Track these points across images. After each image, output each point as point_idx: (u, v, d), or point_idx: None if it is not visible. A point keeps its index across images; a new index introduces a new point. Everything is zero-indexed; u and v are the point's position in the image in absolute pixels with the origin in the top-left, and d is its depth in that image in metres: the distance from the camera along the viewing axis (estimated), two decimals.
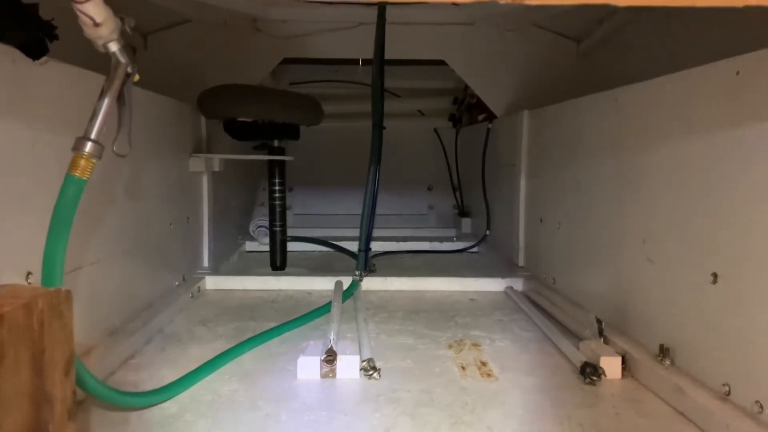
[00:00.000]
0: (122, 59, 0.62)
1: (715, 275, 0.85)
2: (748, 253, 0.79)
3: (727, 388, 0.81)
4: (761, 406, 0.75)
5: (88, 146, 0.61)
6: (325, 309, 1.35)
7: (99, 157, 0.62)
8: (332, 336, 1.07)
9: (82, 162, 0.62)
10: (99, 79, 0.92)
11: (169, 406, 0.86)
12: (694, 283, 0.89)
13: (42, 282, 0.60)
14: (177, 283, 1.46)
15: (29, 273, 0.78)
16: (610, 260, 1.18)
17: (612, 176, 1.18)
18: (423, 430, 0.80)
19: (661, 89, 1.01)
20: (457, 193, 2.60)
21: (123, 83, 0.63)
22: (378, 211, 1.70)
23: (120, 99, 0.63)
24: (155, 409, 0.85)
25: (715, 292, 0.85)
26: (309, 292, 1.55)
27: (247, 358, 1.07)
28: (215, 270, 1.69)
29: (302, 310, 1.35)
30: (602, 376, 0.98)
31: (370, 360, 1.00)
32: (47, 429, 0.45)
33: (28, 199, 0.80)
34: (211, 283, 1.59)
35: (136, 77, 0.64)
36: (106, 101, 0.62)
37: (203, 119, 1.67)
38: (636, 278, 1.08)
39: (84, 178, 0.62)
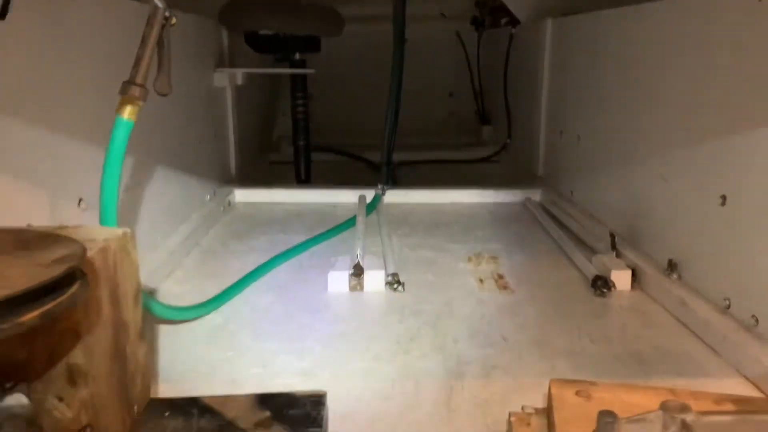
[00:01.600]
0: (160, 4, 0.65)
1: (723, 197, 0.88)
2: (755, 179, 0.82)
3: (727, 302, 0.87)
4: (756, 320, 0.81)
5: (133, 90, 0.66)
6: (350, 223, 1.42)
7: (144, 99, 0.67)
8: (359, 251, 1.14)
9: (129, 105, 0.66)
10: (135, 6, 0.95)
11: (214, 318, 0.95)
12: (704, 203, 0.93)
13: (100, 221, 0.67)
14: (208, 197, 1.52)
15: (81, 199, 0.85)
16: (626, 175, 1.22)
17: (631, 92, 1.20)
18: (444, 340, 0.88)
19: (683, 7, 1.01)
20: (479, 99, 2.59)
21: (162, 28, 0.66)
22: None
23: (159, 42, 0.66)
24: (202, 321, 0.94)
25: (723, 214, 0.89)
26: (334, 205, 1.60)
27: (281, 272, 1.15)
28: (242, 183, 1.75)
29: (328, 223, 1.42)
30: (612, 289, 1.05)
31: (395, 274, 1.07)
32: (125, 349, 0.53)
33: (76, 131, 0.85)
34: (240, 196, 1.65)
35: (173, 20, 0.67)
36: (147, 47, 0.65)
37: (225, 33, 1.68)
38: (649, 194, 1.12)
39: (131, 120, 0.67)
